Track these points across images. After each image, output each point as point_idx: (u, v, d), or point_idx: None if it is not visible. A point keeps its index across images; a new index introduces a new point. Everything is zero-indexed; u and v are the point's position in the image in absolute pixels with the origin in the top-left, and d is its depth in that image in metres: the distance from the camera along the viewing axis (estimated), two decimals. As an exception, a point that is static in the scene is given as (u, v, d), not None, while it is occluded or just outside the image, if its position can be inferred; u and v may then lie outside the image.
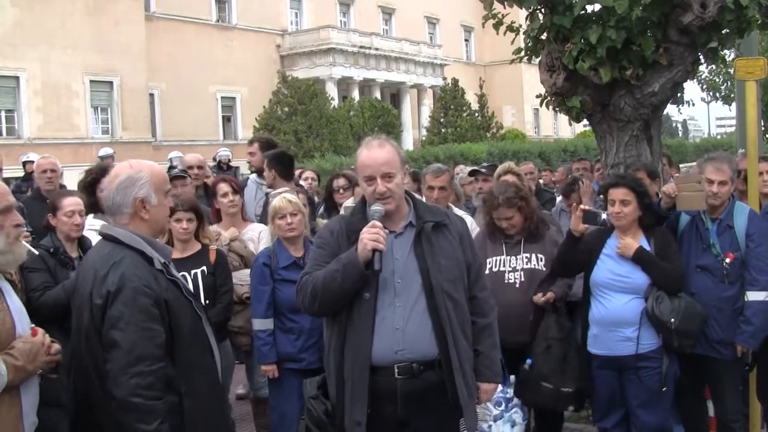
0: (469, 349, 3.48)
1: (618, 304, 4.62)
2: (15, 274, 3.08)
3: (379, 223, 3.30)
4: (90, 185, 5.30)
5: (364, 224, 3.37)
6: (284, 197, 5.03)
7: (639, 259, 4.60)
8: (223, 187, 5.89)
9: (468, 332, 3.49)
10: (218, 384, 3.32)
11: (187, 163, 7.45)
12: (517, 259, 5.02)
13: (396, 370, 3.35)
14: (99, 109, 33.40)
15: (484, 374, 3.59)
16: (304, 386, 3.61)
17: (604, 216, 4.71)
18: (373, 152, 3.40)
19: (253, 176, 7.43)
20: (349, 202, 6.42)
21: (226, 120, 40.87)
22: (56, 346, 3.04)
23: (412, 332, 3.35)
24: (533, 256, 5.02)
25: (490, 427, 4.81)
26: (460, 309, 3.46)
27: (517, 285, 4.95)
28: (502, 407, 4.77)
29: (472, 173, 7.11)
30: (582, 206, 4.82)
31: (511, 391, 4.81)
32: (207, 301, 4.99)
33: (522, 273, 4.98)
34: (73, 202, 4.82)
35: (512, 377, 4.79)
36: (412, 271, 3.40)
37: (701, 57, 5.87)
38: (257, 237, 5.78)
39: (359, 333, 3.35)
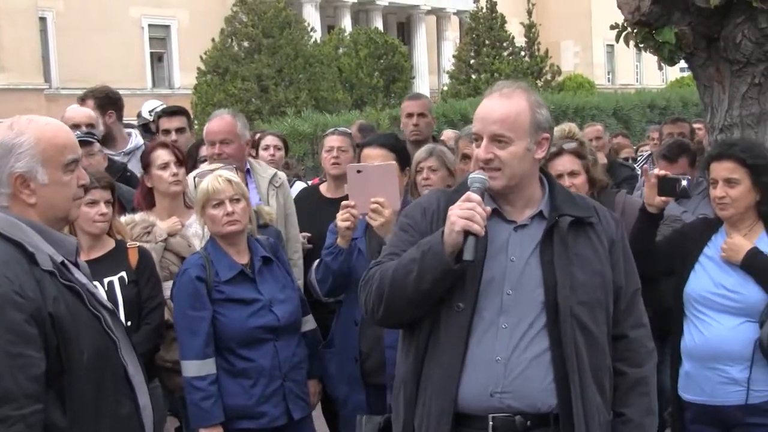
0: (604, 409, 3.45)
1: (721, 331, 4.64)
2: None
3: (476, 196, 3.29)
4: None
5: None
6: (221, 176, 5.08)
7: (751, 265, 4.62)
8: (163, 155, 5.84)
9: (606, 384, 3.47)
10: None
11: (70, 119, 7.06)
12: None
13: (490, 423, 3.35)
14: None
15: None
16: (358, 426, 3.69)
17: (684, 183, 4.78)
18: (492, 102, 3.48)
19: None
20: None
21: (157, 59, 40.90)
22: None
23: (519, 369, 3.34)
24: None
25: None
26: (597, 348, 3.44)
27: None
28: None
29: None
30: (657, 171, 4.89)
31: None
32: (129, 323, 5.01)
33: None
34: None
35: None
36: (531, 281, 3.40)
37: None
38: (204, 231, 5.79)
39: (443, 360, 3.37)
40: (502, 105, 3.43)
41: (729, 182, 4.67)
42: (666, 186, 4.81)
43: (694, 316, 4.74)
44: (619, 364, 3.53)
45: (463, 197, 3.29)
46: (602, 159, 7.44)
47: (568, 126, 6.56)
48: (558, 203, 3.50)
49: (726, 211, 4.71)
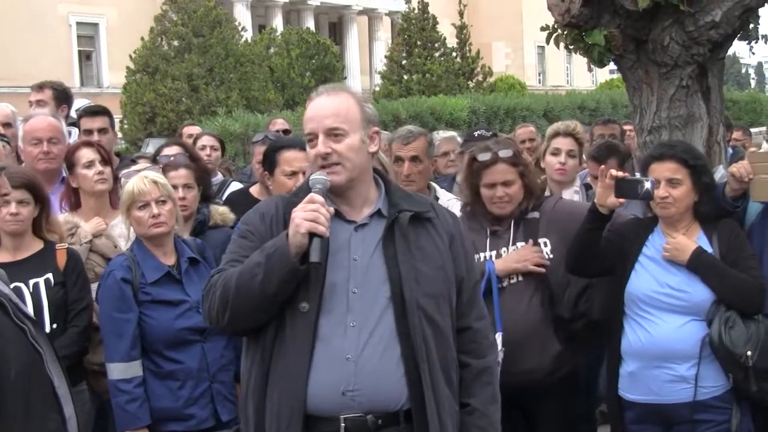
0: (453, 401, 3.50)
1: (668, 330, 4.68)
2: None
3: (319, 197, 3.34)
4: None
5: None
6: (147, 177, 5.06)
7: (697, 264, 4.67)
8: (88, 154, 5.80)
9: (453, 377, 3.52)
10: None
11: None
12: (507, 251, 5.07)
13: (342, 424, 3.35)
14: None
15: None
16: None
17: (647, 185, 4.66)
18: (320, 100, 3.55)
19: None
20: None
21: (85, 57, 40.39)
22: None
23: (370, 366, 3.36)
24: (531, 243, 5.07)
25: None
26: (444, 340, 3.49)
27: (507, 287, 5.01)
28: None
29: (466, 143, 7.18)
30: (614, 171, 4.77)
31: None
32: (55, 326, 4.99)
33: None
34: None
35: None
36: (376, 277, 3.44)
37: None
38: (129, 232, 5.75)
39: (290, 362, 3.36)
40: (331, 101, 3.53)
41: (671, 182, 4.72)
42: (625, 187, 4.68)
43: (638, 316, 4.77)
44: (464, 356, 3.60)
45: (306, 199, 3.35)
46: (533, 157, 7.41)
47: (573, 123, 6.55)
48: (396, 200, 3.58)
49: (668, 211, 4.76)
